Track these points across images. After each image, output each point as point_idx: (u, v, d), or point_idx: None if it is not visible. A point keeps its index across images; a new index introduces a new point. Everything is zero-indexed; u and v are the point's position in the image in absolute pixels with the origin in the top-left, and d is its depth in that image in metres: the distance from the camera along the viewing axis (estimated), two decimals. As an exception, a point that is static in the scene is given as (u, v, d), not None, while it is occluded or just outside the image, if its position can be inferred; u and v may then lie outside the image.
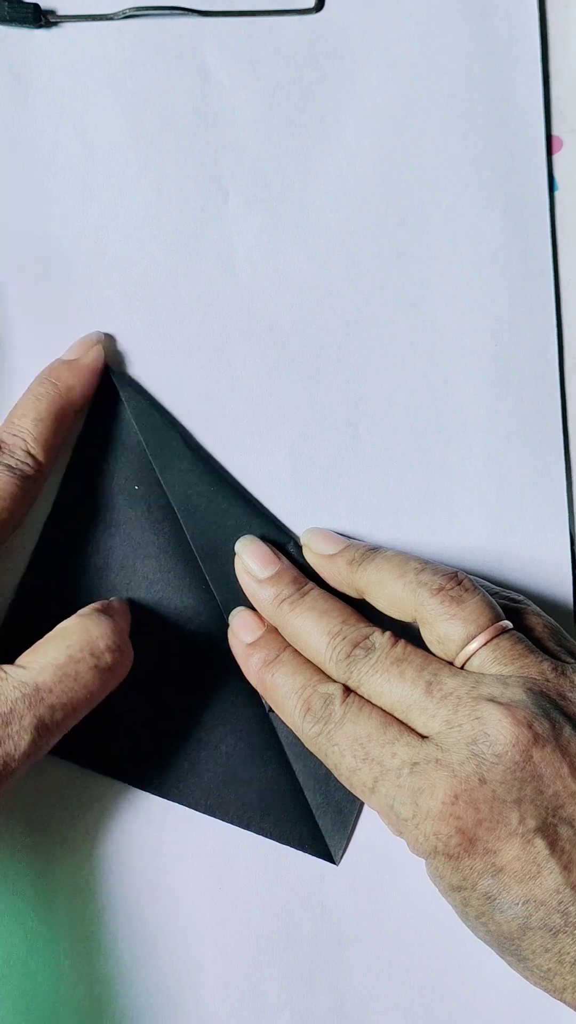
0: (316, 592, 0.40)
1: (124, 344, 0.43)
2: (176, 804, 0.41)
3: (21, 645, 0.37)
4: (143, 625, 0.42)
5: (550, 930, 0.33)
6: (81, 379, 0.41)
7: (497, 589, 0.40)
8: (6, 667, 0.36)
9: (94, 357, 0.41)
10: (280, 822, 0.41)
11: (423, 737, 0.35)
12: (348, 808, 0.41)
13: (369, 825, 0.42)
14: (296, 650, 0.39)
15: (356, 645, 0.37)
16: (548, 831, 0.33)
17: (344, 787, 0.41)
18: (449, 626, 0.36)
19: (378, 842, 0.42)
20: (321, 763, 0.41)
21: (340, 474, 0.43)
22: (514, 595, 0.40)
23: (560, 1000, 0.34)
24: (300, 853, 0.41)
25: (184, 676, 0.42)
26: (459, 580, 0.37)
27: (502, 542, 0.43)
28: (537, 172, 0.45)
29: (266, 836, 0.41)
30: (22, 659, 0.36)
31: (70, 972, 0.41)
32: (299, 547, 0.42)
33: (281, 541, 0.42)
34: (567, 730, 0.34)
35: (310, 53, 0.44)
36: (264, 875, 0.42)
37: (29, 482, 0.39)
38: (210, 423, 0.43)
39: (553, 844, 0.33)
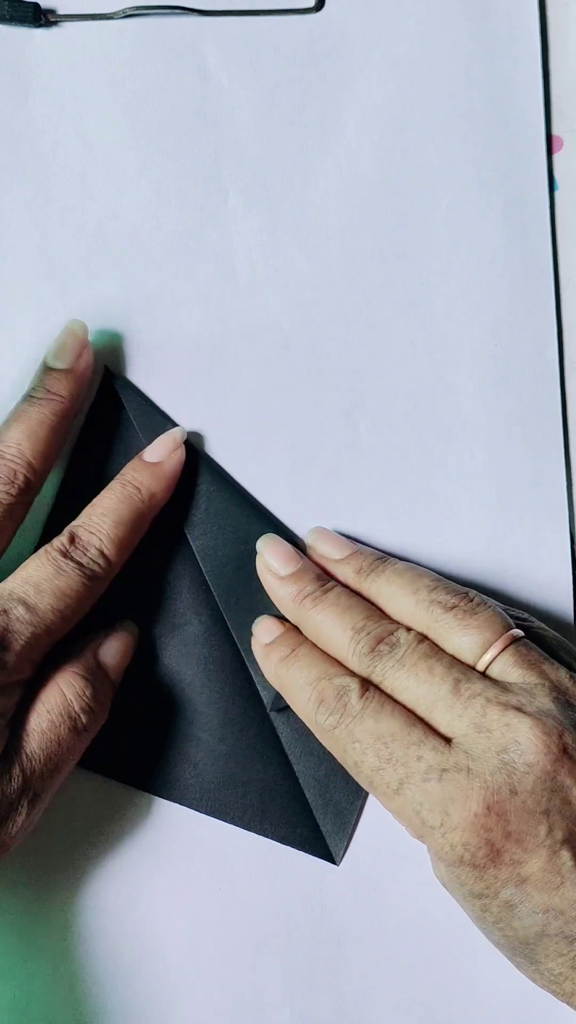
0: (338, 589, 0.39)
1: (124, 344, 0.43)
2: (176, 804, 0.41)
3: None
4: (142, 625, 0.42)
5: (566, 937, 0.33)
6: (163, 485, 0.40)
7: (503, 607, 0.39)
8: None
9: (177, 461, 0.41)
10: (280, 822, 0.41)
11: (447, 740, 0.35)
12: (348, 809, 0.41)
13: (369, 825, 0.42)
14: (314, 645, 0.39)
15: (381, 640, 0.37)
16: (574, 842, 0.33)
17: (344, 788, 0.41)
18: (464, 637, 0.36)
19: (378, 842, 0.42)
20: (321, 763, 0.41)
21: (340, 474, 0.43)
22: (519, 613, 0.40)
23: (567, 1004, 0.34)
24: (300, 853, 0.41)
25: (184, 677, 0.42)
26: (471, 597, 0.37)
27: (502, 542, 0.43)
28: (537, 172, 0.45)
29: (266, 836, 0.41)
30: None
31: (69, 972, 0.41)
32: (300, 547, 0.42)
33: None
34: None
35: (310, 53, 0.44)
36: (264, 875, 0.42)
37: (98, 581, 0.38)
38: (210, 423, 0.43)
39: None
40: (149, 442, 0.42)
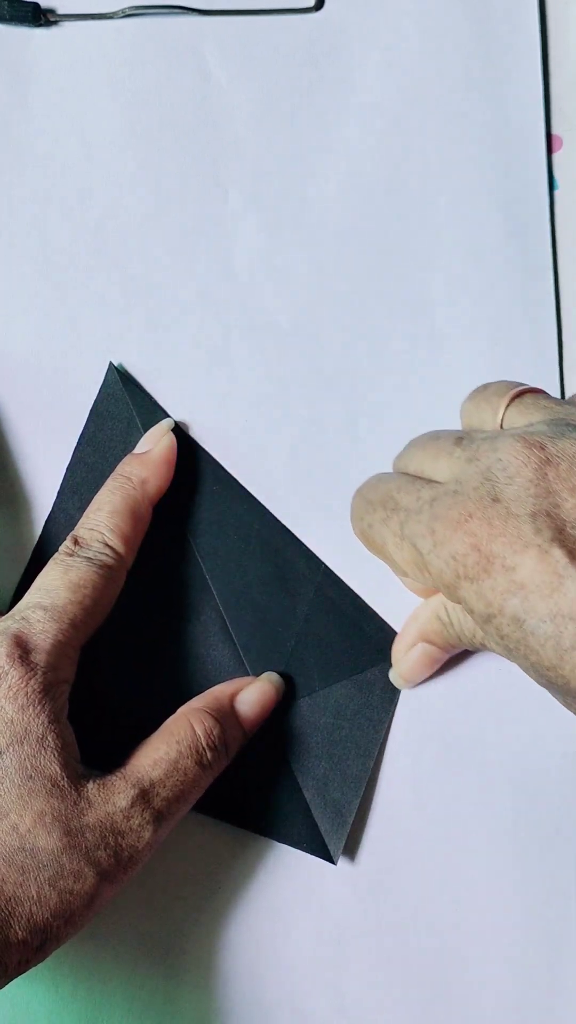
0: None
1: (123, 344, 0.43)
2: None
3: None
4: (143, 624, 0.42)
5: None
6: (154, 471, 0.41)
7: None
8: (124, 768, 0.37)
9: (165, 446, 0.41)
10: (279, 822, 0.41)
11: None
12: (347, 808, 0.41)
13: (369, 825, 0.42)
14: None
15: (412, 443, 0.39)
16: (567, 541, 0.32)
17: (342, 787, 0.41)
18: (479, 409, 0.38)
19: (377, 842, 0.42)
20: (319, 762, 0.41)
21: (340, 474, 0.43)
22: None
23: None
24: (300, 853, 0.41)
25: (184, 676, 0.42)
26: (485, 385, 0.39)
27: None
28: (537, 171, 0.45)
29: (264, 835, 0.41)
30: (136, 756, 0.37)
31: (70, 972, 0.41)
32: (300, 548, 0.42)
33: (281, 540, 0.42)
34: None
35: (310, 52, 0.44)
36: (264, 875, 0.42)
37: (111, 571, 0.39)
38: (209, 422, 0.43)
39: (573, 553, 0.32)
40: None
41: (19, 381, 0.42)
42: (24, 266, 0.43)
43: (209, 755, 0.38)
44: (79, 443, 0.42)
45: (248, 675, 0.42)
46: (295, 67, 0.44)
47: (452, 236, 0.44)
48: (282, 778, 0.41)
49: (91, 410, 0.42)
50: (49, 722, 0.35)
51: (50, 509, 0.42)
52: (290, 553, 0.42)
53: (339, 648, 0.42)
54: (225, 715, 0.39)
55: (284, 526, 0.43)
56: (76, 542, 0.39)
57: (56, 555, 0.39)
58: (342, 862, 0.42)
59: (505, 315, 0.44)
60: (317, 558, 0.43)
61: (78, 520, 0.42)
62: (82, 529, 0.40)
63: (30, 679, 0.35)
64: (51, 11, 0.43)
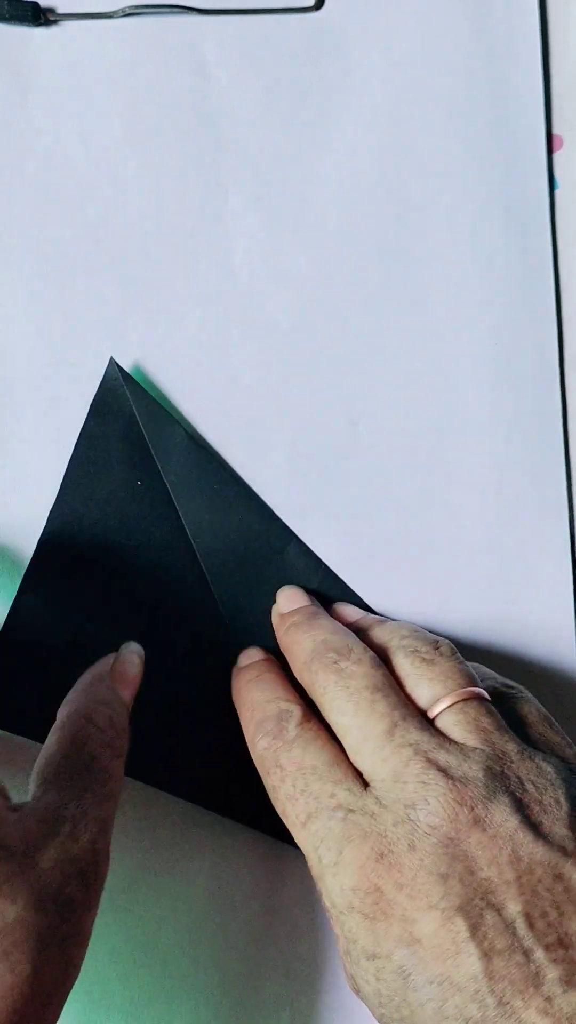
0: (325, 618, 0.40)
1: (123, 344, 0.43)
2: (176, 802, 0.41)
3: (23, 642, 0.37)
4: (142, 624, 0.42)
5: (466, 1021, 0.30)
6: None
7: (493, 675, 0.39)
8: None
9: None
10: (277, 820, 0.41)
11: (366, 786, 0.34)
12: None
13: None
14: (280, 673, 0.39)
15: (341, 656, 0.37)
16: (471, 913, 0.31)
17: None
18: (418, 685, 0.36)
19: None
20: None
21: (340, 473, 0.43)
22: (512, 683, 0.39)
23: None
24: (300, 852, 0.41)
25: (184, 672, 0.42)
26: (436, 646, 0.37)
27: (502, 542, 0.43)
28: (537, 170, 0.45)
29: (265, 832, 0.41)
30: (54, 774, 0.35)
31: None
32: (300, 548, 0.42)
33: (281, 540, 0.42)
34: (514, 819, 0.32)
35: (309, 52, 0.44)
36: (264, 874, 0.42)
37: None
38: (209, 422, 0.43)
39: (475, 928, 0.30)
40: (153, 438, 0.42)
41: (19, 380, 0.42)
42: (24, 266, 0.43)
43: (118, 743, 0.36)
44: (80, 439, 0.42)
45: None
46: (295, 67, 0.44)
47: (452, 236, 0.44)
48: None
49: (91, 406, 0.42)
50: None
51: (50, 509, 0.42)
52: (290, 553, 0.42)
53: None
54: (111, 698, 0.38)
55: (284, 525, 0.43)
56: None
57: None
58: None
59: (505, 315, 0.44)
60: (317, 558, 0.43)
61: (78, 517, 0.41)
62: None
63: None
64: (51, 10, 0.43)
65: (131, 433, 0.42)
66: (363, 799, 0.33)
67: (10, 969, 0.30)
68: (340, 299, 0.44)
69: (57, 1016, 0.31)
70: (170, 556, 0.42)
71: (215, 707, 0.41)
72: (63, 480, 0.42)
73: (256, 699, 0.38)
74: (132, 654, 0.40)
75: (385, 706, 0.35)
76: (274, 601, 0.42)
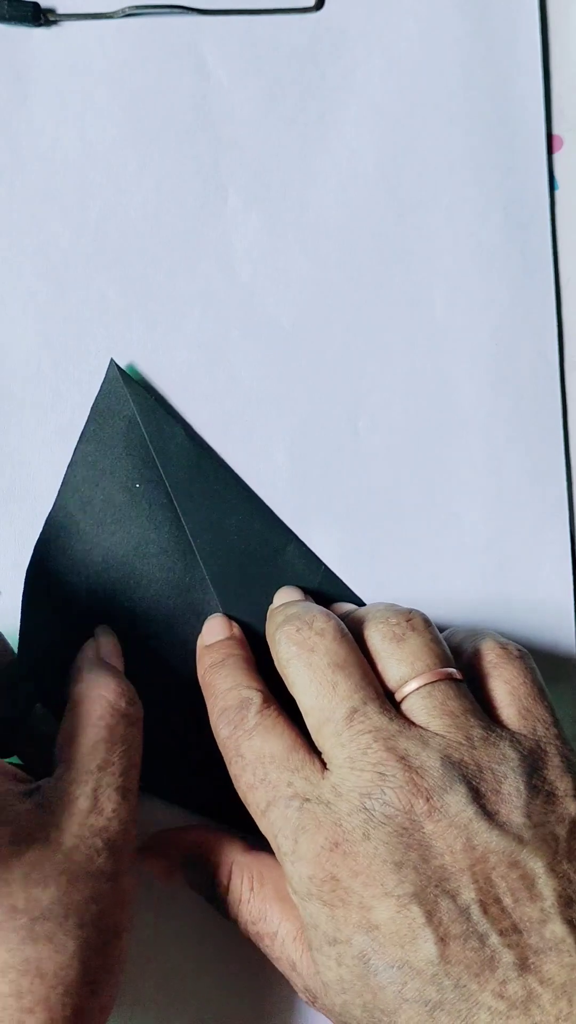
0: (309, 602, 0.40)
1: (123, 344, 0.43)
2: (175, 807, 0.41)
3: (31, 640, 0.37)
4: (142, 625, 0.42)
5: (426, 1004, 0.31)
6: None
7: (492, 634, 0.38)
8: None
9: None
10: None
11: (324, 769, 0.34)
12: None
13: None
14: (247, 656, 0.39)
15: (306, 624, 0.36)
16: (426, 900, 0.31)
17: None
18: (388, 665, 0.36)
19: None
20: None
21: (340, 473, 0.43)
22: (509, 644, 0.38)
23: None
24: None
25: (184, 677, 0.42)
26: (409, 618, 0.36)
27: (502, 542, 0.43)
28: (537, 171, 0.45)
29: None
30: (73, 747, 0.35)
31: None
32: (300, 548, 0.42)
33: (281, 540, 0.42)
34: (470, 809, 0.32)
35: (310, 52, 0.44)
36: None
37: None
38: (209, 422, 0.43)
39: (430, 914, 0.31)
40: (153, 439, 0.42)
41: (18, 380, 0.42)
42: (24, 266, 0.43)
43: (132, 711, 0.36)
44: (80, 440, 0.42)
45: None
46: (295, 67, 0.44)
47: (452, 236, 0.44)
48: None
49: (92, 407, 0.42)
50: None
51: (51, 507, 0.42)
52: (290, 553, 0.42)
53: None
54: (112, 670, 0.38)
55: (284, 526, 0.43)
56: None
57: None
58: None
59: (505, 315, 0.44)
60: (317, 558, 0.43)
61: (78, 518, 0.41)
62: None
63: None
64: (51, 11, 0.43)
65: (132, 434, 0.42)
66: (319, 787, 0.34)
67: (56, 950, 0.31)
68: (340, 299, 0.44)
69: (111, 1000, 0.32)
70: (170, 556, 0.42)
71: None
72: (63, 480, 0.42)
73: (219, 687, 0.38)
74: (107, 633, 0.40)
75: (346, 688, 0.35)
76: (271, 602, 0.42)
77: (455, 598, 0.43)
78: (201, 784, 0.41)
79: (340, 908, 0.32)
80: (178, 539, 0.42)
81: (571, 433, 0.44)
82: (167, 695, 0.41)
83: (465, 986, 0.30)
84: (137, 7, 0.43)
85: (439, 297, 0.44)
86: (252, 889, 0.37)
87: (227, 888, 0.37)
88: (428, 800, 0.32)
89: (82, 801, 0.33)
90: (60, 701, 0.38)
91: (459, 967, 0.31)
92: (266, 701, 0.36)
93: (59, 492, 0.42)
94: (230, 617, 0.41)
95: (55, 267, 0.43)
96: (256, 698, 0.36)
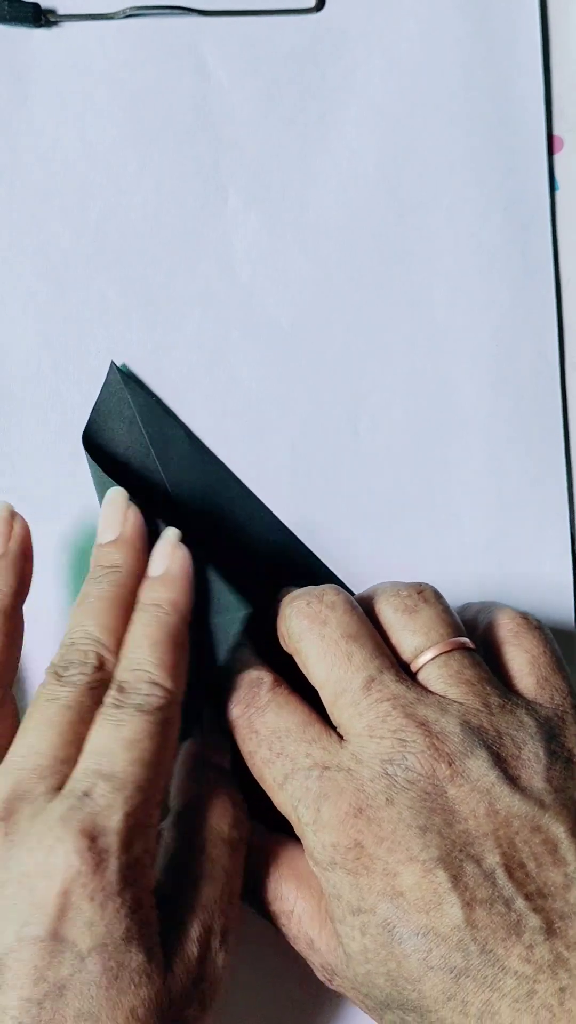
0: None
1: (123, 344, 0.43)
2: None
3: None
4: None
5: (451, 971, 0.31)
6: (181, 589, 0.37)
7: (505, 607, 0.38)
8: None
9: (181, 562, 0.37)
10: (275, 821, 0.41)
11: (341, 739, 0.34)
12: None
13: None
14: (247, 646, 0.38)
15: (316, 598, 0.36)
16: (452, 864, 0.31)
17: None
18: (402, 637, 0.35)
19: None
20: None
21: (340, 474, 0.43)
22: (527, 615, 0.38)
23: None
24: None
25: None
26: (420, 590, 0.36)
27: (502, 542, 0.43)
28: (538, 172, 0.45)
29: (265, 827, 0.41)
30: (195, 892, 0.34)
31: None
32: (301, 547, 0.42)
33: (282, 540, 0.42)
34: (492, 774, 0.32)
35: (310, 53, 0.44)
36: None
37: (162, 714, 0.34)
38: (210, 422, 0.43)
39: (456, 878, 0.31)
40: (153, 439, 0.42)
41: (18, 380, 0.42)
42: (24, 266, 0.43)
43: (235, 834, 0.36)
44: (83, 441, 0.42)
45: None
46: (296, 67, 0.44)
47: (453, 237, 0.44)
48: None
49: (93, 409, 0.42)
50: (131, 912, 0.31)
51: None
52: (291, 553, 0.42)
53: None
54: (219, 781, 0.37)
55: (285, 526, 0.43)
56: (121, 689, 0.34)
57: (102, 708, 0.34)
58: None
59: (506, 316, 0.44)
60: (317, 558, 0.43)
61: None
62: (124, 672, 0.35)
63: (104, 871, 0.31)
64: (51, 11, 0.43)
65: (132, 434, 0.42)
66: (339, 755, 0.33)
67: None
68: (340, 299, 0.44)
69: None
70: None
71: (214, 706, 0.41)
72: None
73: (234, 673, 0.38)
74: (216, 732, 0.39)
75: (361, 657, 0.34)
76: (276, 601, 0.42)
77: (455, 598, 0.43)
78: None
79: (364, 876, 0.32)
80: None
81: (571, 433, 0.44)
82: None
83: (491, 951, 0.30)
84: (137, 8, 0.43)
85: (439, 297, 0.44)
86: (267, 870, 0.36)
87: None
88: (451, 764, 0.32)
89: (189, 947, 0.33)
90: None
91: (485, 932, 0.31)
92: (277, 680, 0.36)
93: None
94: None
95: (55, 267, 0.43)
96: (267, 677, 0.36)
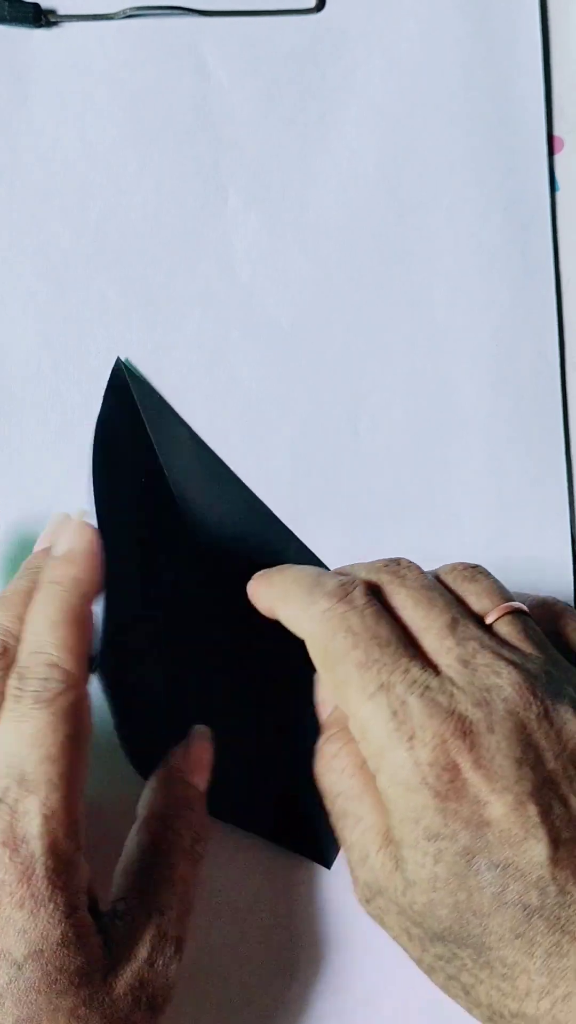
0: None
1: (124, 344, 0.43)
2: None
3: None
4: (142, 624, 0.42)
5: (524, 908, 0.30)
6: (83, 566, 0.37)
7: (530, 594, 0.39)
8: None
9: (87, 538, 0.37)
10: (274, 823, 0.41)
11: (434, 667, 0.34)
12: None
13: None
14: None
15: (393, 562, 0.36)
16: (543, 799, 0.31)
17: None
18: (468, 600, 0.35)
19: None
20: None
21: (340, 474, 0.43)
22: (555, 599, 0.39)
23: (515, 1015, 0.31)
24: (296, 856, 0.41)
25: (182, 675, 0.42)
26: (475, 566, 0.37)
27: (502, 542, 0.43)
28: (538, 172, 0.45)
29: (261, 836, 0.41)
30: (137, 889, 0.35)
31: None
32: (300, 548, 0.42)
33: (282, 540, 0.42)
34: (573, 722, 0.33)
35: (310, 53, 0.44)
36: (259, 878, 0.41)
37: (64, 699, 0.33)
38: (209, 422, 0.43)
39: (545, 814, 0.31)
40: (157, 438, 0.42)
41: (18, 380, 0.42)
42: (24, 266, 0.43)
43: (199, 849, 0.37)
44: (95, 436, 0.42)
45: (247, 675, 0.41)
46: (296, 68, 0.44)
47: (453, 237, 0.44)
48: (279, 780, 0.41)
49: (102, 404, 0.42)
50: (65, 916, 0.31)
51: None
52: (290, 553, 0.42)
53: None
54: (189, 796, 0.38)
55: (285, 526, 0.43)
56: (20, 676, 0.34)
57: (4, 703, 0.33)
58: (336, 865, 0.41)
59: (506, 316, 0.44)
60: (317, 558, 0.43)
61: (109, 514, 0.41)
62: (24, 655, 0.34)
63: (31, 877, 0.31)
64: (51, 12, 0.43)
65: (136, 431, 0.42)
66: (438, 679, 0.33)
67: None
68: (340, 299, 0.44)
69: None
70: (171, 555, 0.42)
71: (214, 707, 0.41)
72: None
73: (295, 572, 0.37)
74: (201, 739, 0.40)
75: (443, 603, 0.34)
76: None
77: (455, 598, 0.43)
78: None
79: (452, 801, 0.31)
80: (180, 537, 0.42)
81: (572, 433, 0.44)
82: (165, 693, 0.41)
83: (569, 892, 0.30)
84: (138, 8, 0.43)
85: (439, 298, 0.44)
86: (359, 766, 0.35)
87: (328, 740, 0.36)
88: (543, 703, 0.32)
89: (139, 949, 0.33)
90: None
91: (565, 872, 0.31)
92: (369, 587, 0.35)
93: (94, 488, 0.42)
94: None
95: (55, 267, 0.43)
96: (359, 581, 0.35)
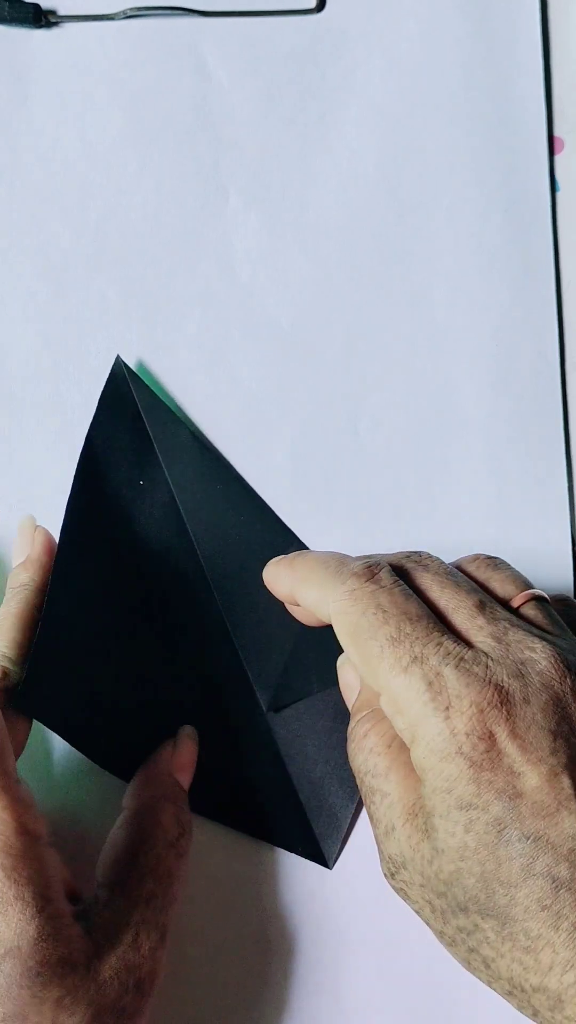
0: None
1: (124, 344, 0.43)
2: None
3: (55, 636, 0.39)
4: (143, 623, 0.42)
5: (553, 880, 0.30)
6: (39, 568, 0.41)
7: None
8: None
9: (44, 542, 0.41)
10: (274, 825, 0.41)
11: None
12: (342, 812, 0.41)
13: (364, 828, 0.41)
14: None
15: (414, 553, 0.36)
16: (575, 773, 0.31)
17: (338, 791, 0.41)
18: (492, 586, 0.36)
19: (373, 846, 0.41)
20: (316, 766, 0.41)
21: (340, 474, 0.43)
22: (566, 596, 0.39)
23: (536, 989, 0.31)
24: (295, 857, 0.41)
25: (183, 676, 0.41)
26: (493, 557, 0.37)
27: (502, 542, 0.43)
28: (538, 173, 0.45)
29: (260, 838, 0.41)
30: (119, 876, 0.36)
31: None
32: (301, 547, 0.42)
33: (282, 540, 0.42)
34: None
35: (310, 53, 0.44)
36: (259, 879, 0.41)
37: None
38: (210, 422, 0.43)
39: None
40: (158, 437, 0.42)
41: (18, 380, 0.42)
42: (25, 266, 0.43)
43: (182, 842, 0.37)
44: (87, 439, 0.42)
45: (246, 677, 0.41)
46: (296, 67, 0.44)
47: (453, 237, 0.44)
48: (278, 781, 0.41)
49: (98, 403, 0.42)
50: (38, 912, 0.32)
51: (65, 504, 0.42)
52: (290, 552, 0.42)
53: (338, 650, 0.42)
54: (176, 793, 0.39)
55: (285, 526, 0.43)
56: None
57: None
58: (337, 866, 0.41)
59: (506, 316, 0.44)
60: (316, 559, 0.43)
61: (82, 516, 0.41)
62: None
63: None
64: (52, 12, 0.43)
65: (136, 431, 0.42)
66: (473, 651, 0.33)
67: None
68: (340, 299, 0.44)
69: None
70: (171, 554, 0.42)
71: (213, 713, 0.41)
72: (74, 478, 0.42)
73: (319, 555, 0.37)
74: (189, 740, 0.40)
75: (468, 586, 0.35)
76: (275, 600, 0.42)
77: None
78: (196, 782, 0.41)
79: (487, 771, 0.31)
80: (180, 537, 0.42)
81: (572, 433, 0.44)
82: (164, 694, 0.41)
83: None
84: (138, 8, 0.43)
85: (440, 298, 0.44)
86: (387, 744, 0.35)
87: (360, 721, 0.36)
88: (574, 679, 0.32)
89: (125, 935, 0.34)
90: (79, 691, 0.39)
91: None
92: (396, 570, 0.36)
93: (71, 489, 0.42)
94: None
95: (55, 267, 0.43)
96: (385, 563, 0.35)
